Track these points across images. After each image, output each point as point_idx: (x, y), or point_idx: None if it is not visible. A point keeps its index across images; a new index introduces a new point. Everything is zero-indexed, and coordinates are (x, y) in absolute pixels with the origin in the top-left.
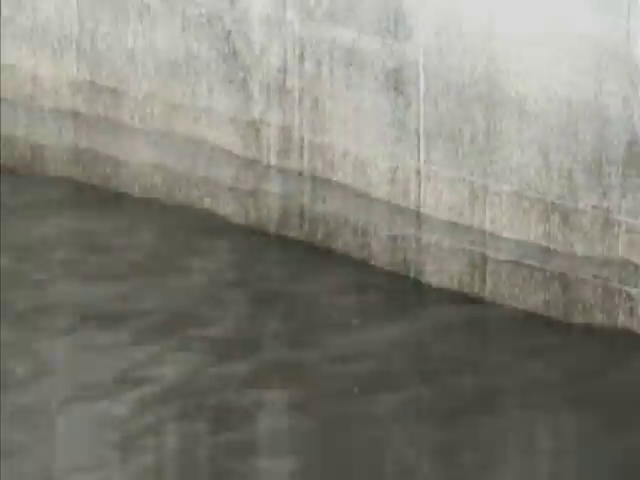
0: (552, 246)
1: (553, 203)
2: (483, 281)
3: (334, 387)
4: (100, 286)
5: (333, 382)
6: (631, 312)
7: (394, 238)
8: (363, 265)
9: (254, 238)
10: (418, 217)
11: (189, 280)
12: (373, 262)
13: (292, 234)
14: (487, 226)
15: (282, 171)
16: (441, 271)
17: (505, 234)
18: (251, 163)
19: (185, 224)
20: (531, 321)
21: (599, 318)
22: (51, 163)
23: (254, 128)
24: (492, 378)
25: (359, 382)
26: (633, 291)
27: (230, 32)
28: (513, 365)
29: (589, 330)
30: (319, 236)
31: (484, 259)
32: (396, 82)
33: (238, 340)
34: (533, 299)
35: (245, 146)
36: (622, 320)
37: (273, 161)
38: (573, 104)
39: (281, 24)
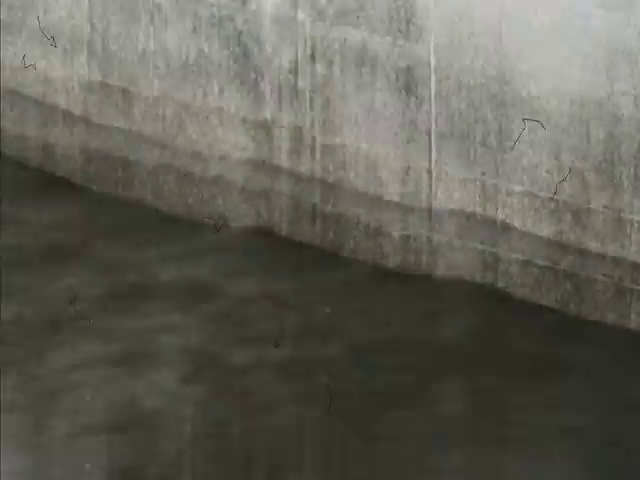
0: (564, 245)
1: (565, 203)
2: (495, 280)
3: None
4: None
5: None
6: None
7: (406, 238)
8: (375, 264)
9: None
10: (430, 216)
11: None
12: (385, 262)
13: (303, 234)
14: (498, 225)
15: (293, 171)
16: (452, 270)
17: (516, 233)
18: (262, 163)
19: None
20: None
21: (610, 317)
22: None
23: (265, 128)
24: None
25: None
26: None
27: (241, 32)
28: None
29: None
30: (330, 236)
31: (496, 258)
32: (407, 82)
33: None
34: (545, 298)
35: (257, 146)
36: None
37: (284, 161)
38: (585, 104)
39: (292, 24)
